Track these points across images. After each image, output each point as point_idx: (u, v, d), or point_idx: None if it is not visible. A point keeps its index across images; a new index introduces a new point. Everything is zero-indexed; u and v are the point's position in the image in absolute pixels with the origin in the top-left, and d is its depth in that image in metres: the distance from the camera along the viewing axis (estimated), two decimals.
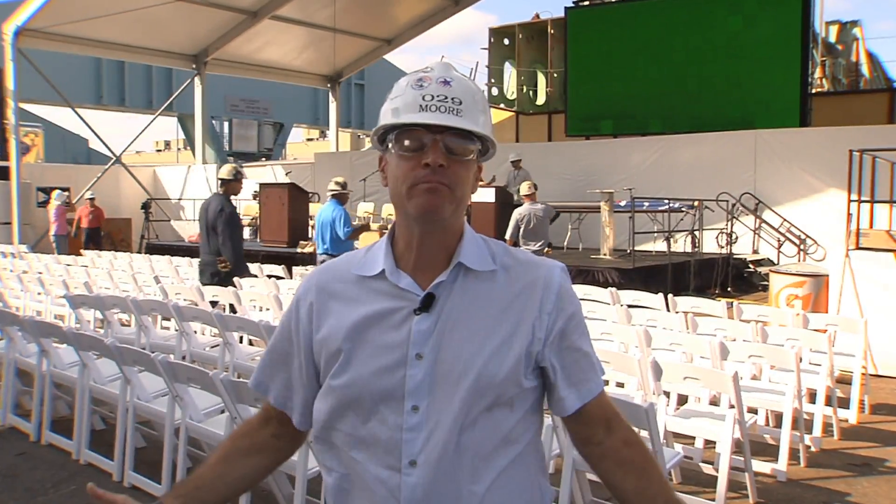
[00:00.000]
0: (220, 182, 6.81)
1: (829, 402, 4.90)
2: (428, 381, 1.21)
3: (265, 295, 6.31)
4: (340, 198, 7.77)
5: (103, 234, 16.38)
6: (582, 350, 1.32)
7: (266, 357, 1.40)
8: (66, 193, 16.20)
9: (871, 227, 8.08)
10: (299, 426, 1.38)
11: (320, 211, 8.02)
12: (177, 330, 5.56)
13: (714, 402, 4.48)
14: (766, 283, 9.45)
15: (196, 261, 7.74)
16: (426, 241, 1.27)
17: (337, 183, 7.81)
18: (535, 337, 1.26)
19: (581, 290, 6.72)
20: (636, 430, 3.63)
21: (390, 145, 1.26)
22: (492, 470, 1.23)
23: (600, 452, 1.34)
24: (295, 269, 9.73)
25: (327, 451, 1.31)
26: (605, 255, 11.08)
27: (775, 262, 11.57)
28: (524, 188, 9.36)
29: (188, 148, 35.00)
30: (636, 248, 10.42)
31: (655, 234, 11.40)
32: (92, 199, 16.10)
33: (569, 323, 1.29)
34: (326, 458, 1.31)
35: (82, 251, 13.11)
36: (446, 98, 1.22)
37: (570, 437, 1.39)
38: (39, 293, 7.80)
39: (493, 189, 11.67)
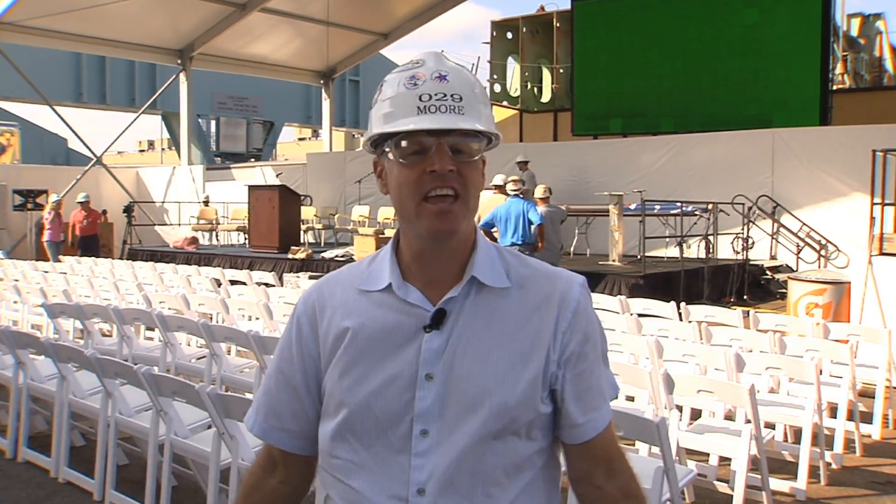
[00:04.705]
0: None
1: (850, 417, 4.90)
2: (439, 404, 1.19)
3: (254, 303, 6.32)
4: (524, 194, 8.94)
5: (102, 243, 15.68)
6: (595, 375, 1.28)
7: (263, 398, 1.36)
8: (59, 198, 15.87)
9: (895, 231, 8.10)
10: (311, 452, 1.33)
11: (501, 208, 8.76)
12: (161, 340, 5.56)
13: (729, 416, 4.48)
14: (784, 290, 9.45)
15: (181, 267, 7.78)
16: (437, 253, 1.25)
17: (516, 181, 8.91)
18: (550, 359, 1.23)
19: None
20: (647, 446, 3.63)
21: (388, 150, 1.22)
22: (503, 498, 1.21)
23: (596, 496, 1.30)
24: (286, 276, 9.75)
25: (326, 480, 1.29)
26: (613, 260, 11.10)
27: (794, 268, 11.59)
28: (540, 191, 9.35)
29: (173, 148, 35.13)
30: (647, 254, 10.43)
31: (667, 239, 11.41)
32: (85, 203, 14.96)
33: (584, 345, 1.26)
34: (325, 486, 1.30)
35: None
36: (445, 95, 1.19)
37: (567, 471, 1.35)
38: (15, 301, 7.80)
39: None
